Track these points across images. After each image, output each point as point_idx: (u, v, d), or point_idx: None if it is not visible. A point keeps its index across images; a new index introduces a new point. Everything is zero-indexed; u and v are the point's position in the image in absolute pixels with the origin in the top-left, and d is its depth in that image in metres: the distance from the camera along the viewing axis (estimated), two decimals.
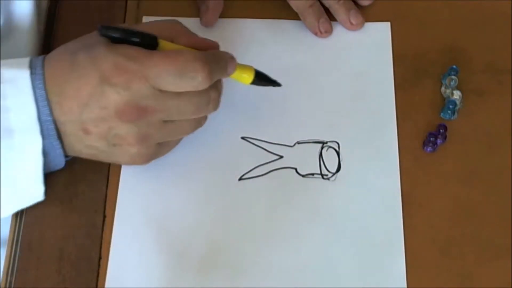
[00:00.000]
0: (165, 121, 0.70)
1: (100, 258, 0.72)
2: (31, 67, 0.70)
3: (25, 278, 0.71)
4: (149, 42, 0.69)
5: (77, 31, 0.83)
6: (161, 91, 0.69)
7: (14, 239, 0.73)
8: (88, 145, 0.71)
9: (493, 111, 0.80)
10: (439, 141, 0.77)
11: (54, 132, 0.69)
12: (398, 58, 0.83)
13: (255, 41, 0.84)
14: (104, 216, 0.74)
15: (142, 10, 0.86)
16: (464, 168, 0.77)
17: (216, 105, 0.73)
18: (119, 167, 0.76)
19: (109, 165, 0.76)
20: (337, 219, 0.74)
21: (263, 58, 0.81)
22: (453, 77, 0.80)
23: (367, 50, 0.84)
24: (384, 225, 0.74)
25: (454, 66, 0.81)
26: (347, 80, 0.82)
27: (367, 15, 0.85)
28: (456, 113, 0.79)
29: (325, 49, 0.84)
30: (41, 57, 0.71)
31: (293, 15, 0.85)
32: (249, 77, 0.75)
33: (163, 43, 0.70)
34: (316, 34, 0.84)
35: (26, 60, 0.70)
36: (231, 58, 0.73)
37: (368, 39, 0.84)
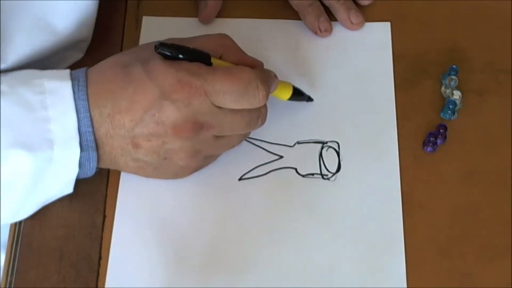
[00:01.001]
0: (216, 136, 0.71)
1: (100, 258, 0.72)
2: (73, 78, 0.69)
3: (25, 278, 0.71)
4: (202, 60, 0.70)
5: None
6: (218, 108, 0.69)
7: (14, 239, 0.73)
8: (136, 158, 0.71)
9: (493, 111, 0.80)
10: (439, 141, 0.77)
11: (93, 144, 0.69)
12: (398, 58, 0.83)
13: (255, 41, 0.84)
14: (104, 216, 0.74)
15: (142, 10, 0.86)
16: (464, 168, 0.77)
17: (264, 120, 0.74)
18: None
19: None
20: (337, 219, 0.74)
21: (263, 58, 0.81)
22: (453, 77, 0.80)
23: (367, 50, 0.84)
24: (384, 225, 0.74)
25: (454, 66, 0.81)
26: (347, 80, 0.82)
27: (367, 15, 0.85)
28: (456, 113, 0.79)
29: (325, 49, 0.84)
30: (82, 70, 0.70)
31: (293, 15, 0.85)
32: (287, 93, 0.76)
33: (215, 62, 0.71)
34: (315, 33, 0.84)
35: (67, 72, 0.70)
36: (275, 77, 0.74)
37: (368, 39, 0.84)
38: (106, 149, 0.70)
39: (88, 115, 0.68)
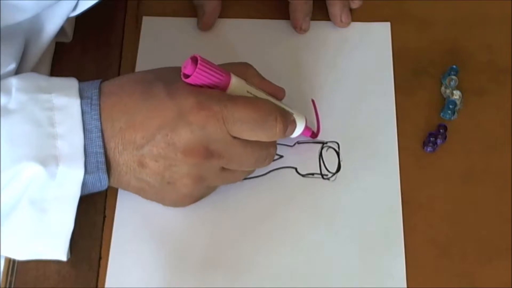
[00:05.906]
0: (223, 168, 0.71)
1: (100, 258, 0.72)
2: (85, 96, 0.68)
3: (25, 278, 0.71)
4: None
5: (76, 30, 0.83)
6: (232, 138, 0.69)
7: None
8: (139, 178, 0.70)
9: (493, 111, 0.80)
10: (439, 141, 0.77)
11: (103, 166, 0.68)
12: (398, 58, 0.83)
13: (255, 41, 0.84)
14: (104, 216, 0.74)
15: (142, 10, 0.86)
16: (464, 168, 0.77)
17: (271, 160, 0.74)
18: None
19: None
20: (337, 219, 0.74)
21: (263, 59, 0.81)
22: (453, 77, 0.80)
23: (367, 50, 0.84)
24: (384, 225, 0.74)
25: (454, 66, 0.81)
26: (347, 80, 0.82)
27: (367, 15, 0.85)
28: (456, 113, 0.79)
29: (325, 49, 0.84)
30: (96, 84, 0.69)
31: None
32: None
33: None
34: (296, 28, 0.84)
35: (75, 85, 0.68)
36: (294, 121, 0.74)
37: (368, 39, 0.84)
38: (113, 165, 0.69)
39: (100, 135, 0.67)
